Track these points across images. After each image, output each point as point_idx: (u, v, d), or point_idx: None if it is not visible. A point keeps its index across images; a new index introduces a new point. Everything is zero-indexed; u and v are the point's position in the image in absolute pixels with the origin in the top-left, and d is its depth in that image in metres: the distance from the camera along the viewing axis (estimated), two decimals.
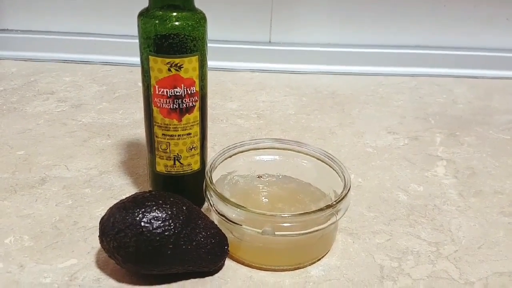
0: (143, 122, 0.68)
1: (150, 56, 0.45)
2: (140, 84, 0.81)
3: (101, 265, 0.45)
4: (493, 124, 0.74)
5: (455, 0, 0.87)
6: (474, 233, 0.52)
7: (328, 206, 0.45)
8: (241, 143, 0.54)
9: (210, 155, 0.54)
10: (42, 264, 0.45)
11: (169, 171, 0.50)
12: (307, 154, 0.54)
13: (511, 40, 0.89)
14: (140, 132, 0.67)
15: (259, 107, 0.77)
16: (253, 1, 0.87)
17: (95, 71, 0.85)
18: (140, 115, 0.72)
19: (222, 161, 0.52)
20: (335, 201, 0.46)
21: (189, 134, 0.48)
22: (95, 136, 0.66)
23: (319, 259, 0.48)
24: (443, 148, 0.67)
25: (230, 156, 0.53)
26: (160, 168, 0.50)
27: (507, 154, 0.67)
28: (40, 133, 0.66)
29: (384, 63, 0.89)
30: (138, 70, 0.85)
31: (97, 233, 0.48)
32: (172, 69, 0.45)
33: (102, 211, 0.51)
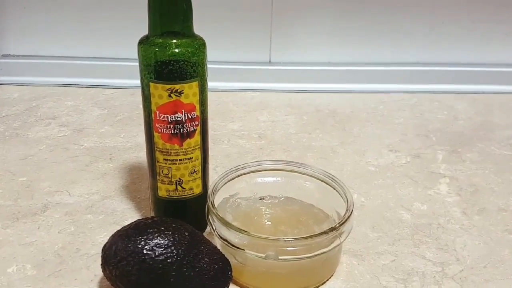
0: (145, 145, 0.69)
1: (150, 83, 0.45)
2: (142, 106, 0.82)
3: None
4: (495, 140, 0.74)
5: (453, 17, 0.87)
6: (479, 252, 0.52)
7: (332, 229, 0.45)
8: (242, 166, 0.54)
9: (212, 177, 0.54)
10: None
11: (171, 196, 0.50)
12: (309, 175, 0.54)
13: (510, 55, 0.90)
14: (142, 155, 0.67)
15: (260, 127, 0.77)
16: (253, 21, 0.87)
17: (96, 95, 0.85)
18: (142, 138, 0.71)
19: (224, 184, 0.52)
20: (338, 224, 0.45)
21: (191, 158, 0.48)
22: (97, 160, 0.66)
23: (324, 283, 0.48)
24: (445, 165, 0.67)
25: (232, 179, 0.53)
26: (162, 193, 0.50)
27: (509, 170, 0.66)
28: (42, 158, 0.66)
29: (384, 81, 0.89)
30: (140, 92, 0.86)
31: (100, 261, 0.47)
32: (172, 95, 0.45)
33: (104, 237, 0.51)
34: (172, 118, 0.46)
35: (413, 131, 0.76)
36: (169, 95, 0.45)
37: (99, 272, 0.47)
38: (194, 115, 0.47)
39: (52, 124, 0.76)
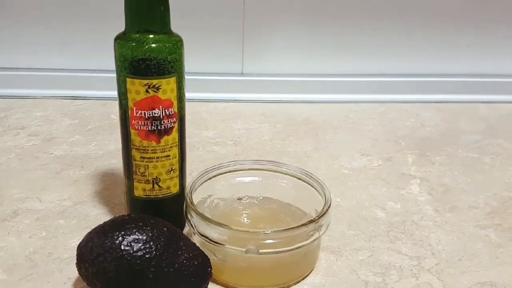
0: (118, 153, 0.68)
1: (127, 79, 0.45)
2: (114, 116, 0.82)
3: None
4: (461, 144, 0.76)
5: (418, 29, 0.91)
6: (453, 246, 0.53)
7: (311, 221, 0.45)
8: (219, 165, 0.54)
9: (189, 181, 0.53)
10: None
11: (148, 195, 0.49)
12: (286, 174, 0.54)
13: (472, 66, 0.93)
14: (115, 163, 0.66)
15: (235, 134, 0.77)
16: (225, 33, 0.88)
17: (66, 106, 0.84)
18: (114, 146, 0.71)
19: (202, 183, 0.51)
20: (317, 216, 0.46)
21: (168, 156, 0.48)
22: (68, 168, 0.65)
23: (304, 278, 0.47)
24: (415, 168, 0.69)
25: (210, 178, 0.52)
26: (138, 192, 0.49)
27: (477, 171, 0.69)
28: (11, 167, 0.65)
29: (353, 91, 0.91)
30: (111, 103, 0.86)
31: (73, 263, 0.46)
32: (150, 90, 0.45)
33: (77, 241, 0.49)
34: (150, 114, 0.46)
35: (383, 137, 0.78)
36: (147, 91, 0.45)
37: (73, 275, 0.46)
38: (171, 112, 0.46)
39: (21, 133, 0.74)
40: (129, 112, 0.46)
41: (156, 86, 0.45)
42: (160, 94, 0.45)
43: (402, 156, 0.72)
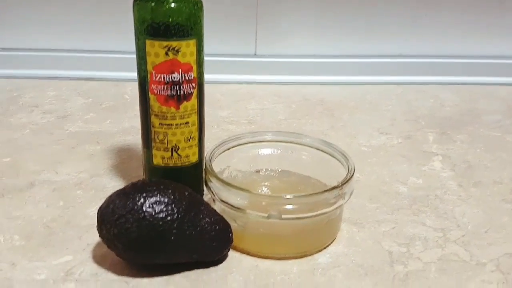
0: (133, 130, 0.68)
1: (147, 40, 0.44)
2: (127, 96, 0.81)
3: (99, 260, 0.43)
4: (483, 124, 0.75)
5: (436, 9, 0.89)
6: (479, 219, 0.51)
7: (334, 188, 0.44)
8: (238, 136, 0.53)
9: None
10: (35, 262, 0.43)
11: (166, 164, 0.48)
12: (307, 146, 0.53)
13: (493, 47, 0.92)
14: (130, 139, 0.66)
15: (249, 114, 0.76)
16: (238, 14, 0.87)
17: (79, 86, 0.83)
18: (129, 123, 0.70)
19: (220, 154, 0.50)
20: (341, 183, 0.45)
21: (187, 123, 0.47)
22: (84, 143, 0.64)
23: (325, 247, 0.46)
24: (437, 145, 0.67)
25: (228, 149, 0.51)
26: (157, 160, 0.48)
27: (500, 149, 0.67)
28: (26, 142, 0.64)
29: (370, 73, 0.89)
30: (124, 84, 0.85)
31: (92, 231, 0.46)
32: (169, 53, 0.44)
33: (96, 210, 0.48)
34: (169, 79, 0.45)
35: (402, 117, 0.76)
36: (166, 53, 0.44)
37: (93, 241, 0.45)
38: (191, 77, 0.45)
39: (35, 111, 0.73)
40: (148, 76, 0.45)
41: (176, 48, 0.44)
42: (179, 57, 0.44)
43: (422, 134, 0.70)
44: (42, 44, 0.88)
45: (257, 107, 0.79)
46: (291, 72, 0.89)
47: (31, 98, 0.78)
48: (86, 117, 0.72)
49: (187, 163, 0.49)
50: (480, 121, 0.76)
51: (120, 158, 0.61)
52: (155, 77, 0.45)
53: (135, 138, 0.65)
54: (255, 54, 0.90)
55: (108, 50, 0.87)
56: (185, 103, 0.46)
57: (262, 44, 0.89)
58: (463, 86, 0.90)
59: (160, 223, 0.39)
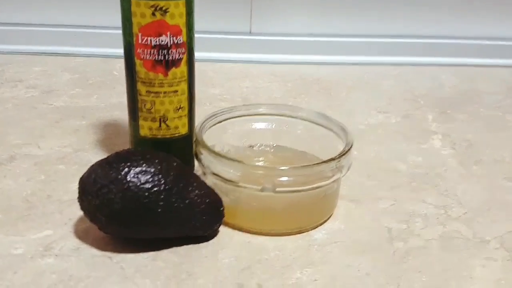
0: (120, 106, 0.65)
1: (132, 0, 0.41)
2: (116, 72, 0.78)
3: (81, 235, 0.40)
4: (483, 104, 0.73)
5: None
6: (481, 197, 0.49)
7: (332, 159, 0.41)
8: (230, 109, 0.50)
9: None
10: (12, 236, 0.40)
11: (154, 135, 0.45)
12: (302, 119, 0.50)
13: (493, 28, 0.89)
14: (118, 114, 0.63)
15: (243, 92, 0.73)
16: None
17: (66, 62, 0.80)
18: (117, 99, 0.67)
19: (211, 126, 0.48)
20: (338, 155, 0.42)
21: (176, 91, 0.44)
22: (68, 118, 0.61)
23: (321, 224, 0.44)
24: (436, 124, 0.65)
25: (220, 122, 0.49)
26: (144, 132, 0.46)
27: (501, 128, 0.65)
28: (8, 115, 0.61)
29: (367, 53, 0.87)
30: (112, 60, 0.81)
31: (75, 206, 0.43)
32: (156, 13, 0.41)
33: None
34: (156, 42, 0.42)
35: (400, 96, 0.74)
36: (153, 13, 0.41)
37: (74, 216, 0.42)
38: (180, 40, 0.43)
39: (19, 86, 0.70)
40: (134, 39, 0.42)
41: (164, 8, 0.41)
42: (167, 19, 0.41)
43: (421, 113, 0.68)
44: (28, 19, 0.84)
45: (251, 85, 0.76)
46: (287, 51, 0.86)
47: (15, 73, 0.74)
48: (71, 92, 0.69)
49: (176, 135, 0.46)
50: (480, 101, 0.73)
51: (106, 133, 0.58)
52: (141, 40, 0.42)
53: (123, 114, 0.61)
54: (250, 32, 0.87)
55: (97, 26, 0.84)
56: (173, 69, 0.43)
57: (257, 21, 0.86)
58: (463, 68, 0.87)
59: (146, 194, 0.36)
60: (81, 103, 0.66)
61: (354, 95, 0.74)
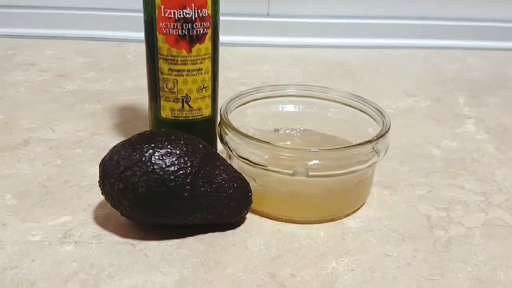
0: (136, 90, 0.62)
1: None
2: (130, 56, 0.75)
3: (101, 222, 0.38)
4: None
5: None
6: None
7: (368, 142, 0.38)
8: (256, 89, 0.47)
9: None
10: (28, 222, 0.38)
11: (176, 117, 0.43)
12: (333, 101, 0.47)
13: None
14: (134, 98, 0.60)
15: (263, 76, 0.70)
16: None
17: (79, 46, 0.77)
18: (132, 83, 0.64)
19: (235, 108, 0.45)
20: (375, 137, 0.39)
21: (200, 70, 0.41)
22: (83, 101, 0.59)
23: (354, 211, 0.41)
24: (468, 108, 0.62)
25: (245, 103, 0.46)
26: (165, 113, 0.43)
27: None
28: (21, 99, 0.58)
29: (391, 35, 0.84)
30: (127, 44, 0.79)
31: (94, 191, 0.41)
32: None
33: (97, 170, 0.44)
34: (180, 15, 0.39)
35: (429, 79, 0.71)
36: None
37: (93, 202, 0.40)
38: (205, 14, 0.40)
39: (31, 69, 0.67)
40: (156, 12, 0.39)
41: None
42: None
43: (452, 97, 0.65)
44: (39, 2, 0.82)
45: (270, 69, 0.73)
46: (307, 34, 0.83)
47: (27, 56, 0.72)
48: (86, 76, 0.66)
49: (199, 117, 0.43)
50: None
51: (123, 117, 0.55)
52: (164, 13, 0.39)
53: (140, 98, 0.59)
54: (268, 14, 0.84)
55: (111, 8, 0.81)
56: (198, 45, 0.41)
57: (275, 3, 0.83)
58: (490, 52, 0.84)
59: (172, 177, 0.34)
60: (95, 86, 0.63)
61: (380, 78, 0.71)
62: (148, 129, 0.47)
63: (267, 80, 0.69)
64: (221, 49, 0.79)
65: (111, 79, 0.66)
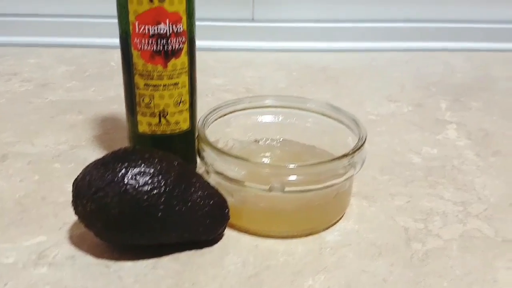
0: (119, 99, 0.61)
1: None
2: (113, 63, 0.74)
3: (76, 241, 0.38)
4: (498, 90, 0.69)
5: None
6: (501, 191, 0.46)
7: (344, 156, 0.38)
8: (234, 101, 0.47)
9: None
10: (3, 243, 0.37)
11: (153, 131, 0.43)
12: (311, 111, 0.47)
13: (503, 11, 0.86)
14: (116, 108, 0.60)
15: (247, 82, 0.70)
16: None
17: (62, 54, 0.77)
18: (115, 92, 0.64)
19: (214, 120, 0.45)
20: (351, 151, 0.39)
21: (176, 84, 0.41)
22: (65, 112, 0.58)
23: (333, 224, 0.41)
24: (450, 113, 0.62)
25: (224, 115, 0.46)
26: (143, 128, 0.43)
27: None
28: (1, 111, 0.58)
29: (375, 39, 0.83)
30: (110, 51, 0.78)
31: (71, 209, 0.40)
32: (154, 0, 0.38)
33: None
34: (154, 30, 0.39)
35: (411, 84, 0.71)
36: (151, 0, 0.38)
37: (70, 220, 0.40)
38: (180, 29, 0.40)
39: (13, 79, 0.67)
40: (131, 28, 0.39)
41: None
42: (166, 5, 0.38)
43: (434, 101, 0.65)
44: (22, 9, 0.81)
45: (255, 74, 0.73)
46: (292, 38, 0.83)
47: (9, 66, 0.71)
48: (68, 85, 0.66)
49: (177, 131, 0.43)
50: (495, 88, 0.70)
51: (104, 129, 0.55)
52: (139, 29, 0.39)
53: (122, 108, 0.58)
54: (253, 19, 0.83)
55: (93, 15, 0.80)
56: (173, 60, 0.40)
57: (260, 7, 0.83)
58: (475, 53, 0.84)
59: (145, 197, 0.34)
60: (77, 96, 0.63)
61: (363, 83, 0.71)
62: (126, 143, 0.47)
63: (251, 86, 0.68)
64: (206, 55, 0.79)
65: (93, 87, 0.66)
